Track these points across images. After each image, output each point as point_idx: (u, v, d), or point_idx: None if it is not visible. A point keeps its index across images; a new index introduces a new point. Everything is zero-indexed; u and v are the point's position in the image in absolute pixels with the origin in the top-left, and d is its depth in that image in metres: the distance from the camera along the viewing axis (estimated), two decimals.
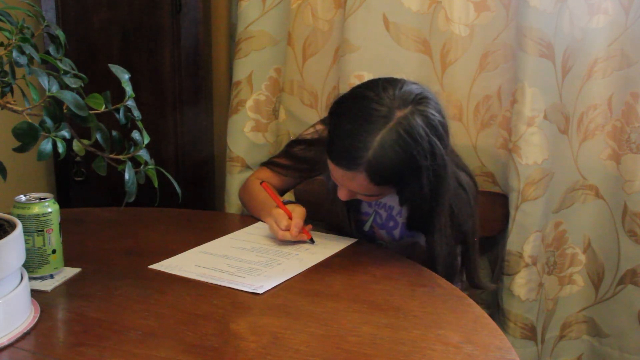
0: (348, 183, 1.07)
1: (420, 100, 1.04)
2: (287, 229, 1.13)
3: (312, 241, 1.15)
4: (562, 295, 1.46)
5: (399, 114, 1.01)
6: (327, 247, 1.14)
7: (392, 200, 1.21)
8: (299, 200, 1.31)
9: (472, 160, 1.42)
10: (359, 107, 1.05)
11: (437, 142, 1.02)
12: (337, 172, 1.08)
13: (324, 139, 1.15)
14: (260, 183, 1.25)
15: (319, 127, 1.27)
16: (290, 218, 1.14)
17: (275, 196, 1.22)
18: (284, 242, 1.14)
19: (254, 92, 1.56)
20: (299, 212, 1.16)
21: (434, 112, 1.04)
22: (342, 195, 1.12)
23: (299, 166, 1.29)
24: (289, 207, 1.17)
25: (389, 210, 1.24)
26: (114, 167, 0.80)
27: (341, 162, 1.05)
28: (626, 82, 1.31)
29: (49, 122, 0.71)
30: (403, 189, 1.08)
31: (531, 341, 1.42)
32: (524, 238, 1.34)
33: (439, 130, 1.04)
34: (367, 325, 0.86)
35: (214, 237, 1.18)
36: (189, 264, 1.04)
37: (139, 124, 0.82)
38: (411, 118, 1.01)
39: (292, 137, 1.60)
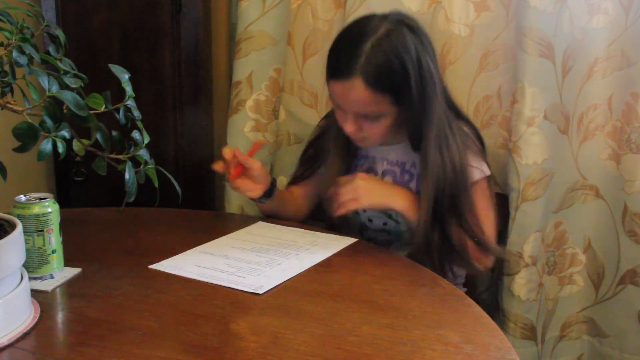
0: (348, 98, 1.13)
1: (405, 18, 1.16)
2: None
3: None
4: (562, 295, 1.46)
5: (388, 25, 1.13)
6: (327, 247, 1.14)
7: (403, 156, 1.26)
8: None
9: None
10: (350, 28, 1.19)
11: (425, 56, 1.13)
12: (337, 89, 1.15)
13: (325, 127, 1.32)
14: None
15: (321, 122, 1.36)
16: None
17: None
18: (285, 243, 1.15)
19: (254, 92, 1.56)
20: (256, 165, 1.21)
21: (419, 28, 1.15)
22: (348, 126, 1.17)
23: (313, 164, 1.36)
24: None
25: (402, 166, 1.27)
26: (114, 167, 0.80)
27: (338, 72, 1.13)
28: (626, 82, 1.31)
29: (49, 122, 0.71)
30: (397, 98, 1.13)
31: (531, 341, 1.41)
32: (524, 238, 1.34)
33: (427, 48, 1.14)
34: (367, 325, 0.86)
35: (214, 237, 1.18)
36: (189, 263, 1.04)
37: (139, 124, 0.82)
38: (399, 29, 1.13)
39: (292, 137, 1.60)
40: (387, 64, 1.10)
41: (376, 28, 1.12)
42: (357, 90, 1.11)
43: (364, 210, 1.29)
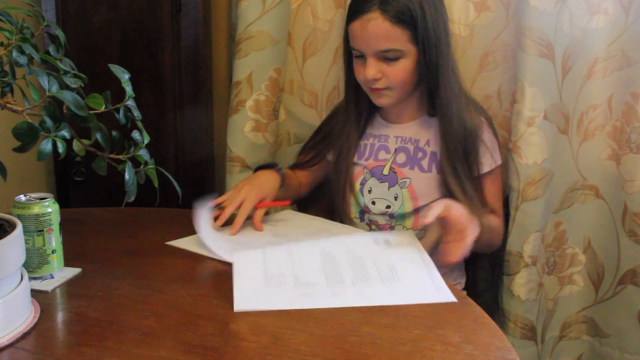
0: (367, 35, 1.16)
1: None
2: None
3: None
4: (562, 295, 1.46)
5: None
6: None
7: (417, 133, 1.29)
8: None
9: None
10: None
11: (439, 5, 1.19)
12: (356, 28, 1.19)
13: (333, 112, 1.40)
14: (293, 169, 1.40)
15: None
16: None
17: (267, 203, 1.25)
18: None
19: (254, 92, 1.56)
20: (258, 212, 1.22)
21: None
22: (370, 69, 1.19)
23: (321, 149, 1.40)
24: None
25: (415, 143, 1.29)
26: (114, 167, 0.80)
27: (358, 9, 1.18)
28: (626, 82, 1.31)
29: (49, 122, 0.71)
30: (415, 35, 1.16)
31: (531, 341, 1.41)
32: (524, 238, 1.34)
33: (443, 6, 1.21)
34: (367, 325, 0.86)
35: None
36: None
37: (139, 124, 0.82)
38: None
39: (292, 137, 1.60)
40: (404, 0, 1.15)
41: None
42: (375, 22, 1.15)
43: (369, 191, 1.30)
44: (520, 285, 1.36)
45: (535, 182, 1.32)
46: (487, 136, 1.25)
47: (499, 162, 1.28)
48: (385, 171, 1.29)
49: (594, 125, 1.36)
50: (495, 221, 1.27)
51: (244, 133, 1.57)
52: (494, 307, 1.45)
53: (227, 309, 0.90)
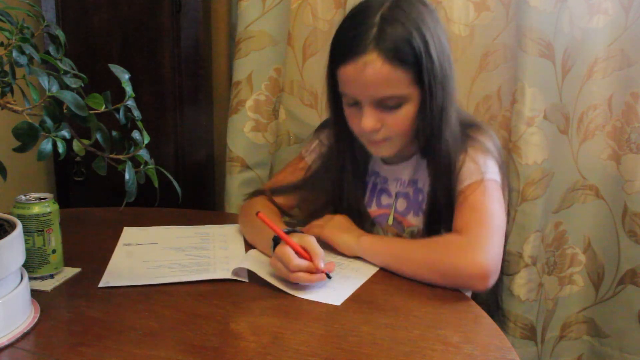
0: (363, 80, 0.99)
1: None
2: (299, 270, 0.95)
3: (329, 277, 0.97)
4: (562, 295, 1.46)
5: None
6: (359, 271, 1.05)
7: (415, 173, 1.16)
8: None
9: None
10: (352, 10, 1.06)
11: (440, 29, 1.02)
12: (349, 73, 1.00)
13: (326, 152, 1.18)
14: (256, 214, 1.03)
15: (322, 137, 1.24)
16: (300, 253, 0.96)
17: (277, 227, 1.01)
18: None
19: (254, 92, 1.56)
20: (311, 241, 0.97)
21: (431, 5, 1.05)
22: (367, 120, 1.02)
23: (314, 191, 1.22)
24: (295, 238, 0.99)
25: (414, 185, 1.16)
26: (114, 167, 0.80)
27: (349, 53, 0.99)
28: (626, 82, 1.31)
29: (49, 122, 0.71)
30: (420, 76, 0.99)
31: (531, 341, 1.41)
32: (524, 238, 1.34)
33: (437, 17, 1.04)
34: (367, 325, 0.86)
35: None
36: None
37: (139, 124, 0.82)
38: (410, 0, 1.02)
39: (292, 137, 1.60)
40: (404, 33, 0.98)
41: (382, 1, 1.01)
42: (373, 66, 0.98)
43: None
44: (520, 285, 1.36)
45: (535, 182, 1.32)
46: (471, 151, 1.09)
47: (490, 176, 1.07)
48: (390, 221, 1.18)
49: (594, 125, 1.36)
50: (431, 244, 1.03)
51: (244, 133, 1.57)
52: (494, 307, 1.45)
53: (227, 309, 0.91)
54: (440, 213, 1.09)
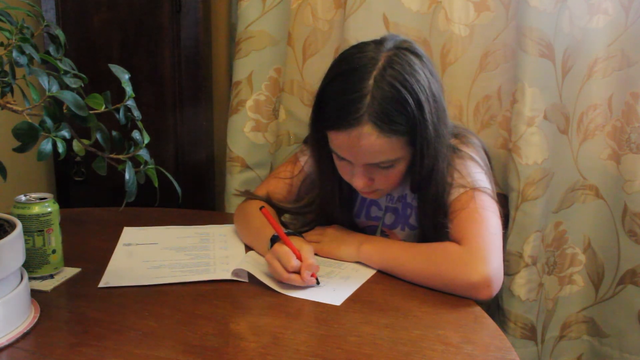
0: (357, 148, 0.97)
1: (403, 41, 1.02)
2: (294, 271, 0.96)
3: (317, 283, 0.98)
4: (562, 295, 1.46)
5: (386, 54, 0.98)
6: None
7: (404, 189, 1.15)
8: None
9: None
10: (341, 65, 1.01)
11: (434, 82, 0.99)
12: (341, 141, 0.98)
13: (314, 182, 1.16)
14: (260, 208, 1.06)
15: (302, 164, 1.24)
16: (297, 257, 0.97)
17: (278, 226, 1.03)
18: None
19: (254, 92, 1.56)
20: (308, 250, 0.99)
21: (420, 51, 1.02)
22: (358, 181, 1.02)
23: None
24: (294, 241, 1.01)
25: (403, 200, 1.15)
26: (114, 167, 0.80)
27: (342, 121, 0.96)
28: (626, 82, 1.31)
29: (49, 122, 0.71)
30: (414, 137, 0.98)
31: (531, 341, 1.41)
32: (524, 238, 1.34)
33: (429, 66, 1.01)
34: (367, 325, 0.86)
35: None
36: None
37: (139, 124, 0.82)
38: (400, 54, 0.98)
39: (292, 137, 1.60)
40: (399, 101, 0.95)
41: (374, 59, 0.97)
42: (368, 139, 0.95)
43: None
44: (520, 285, 1.36)
45: (535, 182, 1.32)
46: (457, 162, 1.08)
47: (479, 184, 1.06)
48: (377, 233, 1.19)
49: (594, 125, 1.36)
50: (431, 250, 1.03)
51: (244, 133, 1.57)
52: (494, 307, 1.45)
53: (227, 309, 0.91)
54: (428, 235, 1.09)
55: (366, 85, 0.95)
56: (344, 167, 1.04)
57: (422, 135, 0.98)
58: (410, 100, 0.95)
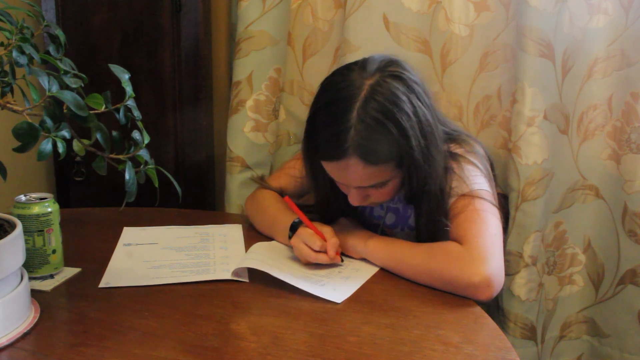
0: (346, 176, 1.02)
1: (387, 64, 1.02)
2: (321, 250, 1.04)
3: (342, 260, 1.07)
4: (562, 295, 1.46)
5: (369, 82, 0.98)
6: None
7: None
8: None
9: None
10: (327, 95, 1.03)
11: (420, 105, 0.99)
12: (331, 169, 1.04)
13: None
14: (283, 197, 1.13)
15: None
16: (321, 238, 1.06)
17: (302, 213, 1.09)
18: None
19: (254, 92, 1.56)
20: (329, 231, 1.08)
21: (404, 71, 1.02)
22: (354, 199, 1.06)
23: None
24: (315, 225, 1.08)
25: (403, 200, 1.17)
26: (114, 167, 0.80)
27: (329, 153, 1.00)
28: (626, 82, 1.31)
29: (49, 122, 0.71)
30: (401, 162, 1.00)
31: (531, 341, 1.41)
32: (524, 238, 1.34)
33: (416, 88, 1.01)
34: (367, 325, 0.86)
35: None
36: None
37: (139, 124, 0.82)
38: (383, 82, 0.98)
39: (292, 137, 1.60)
40: (382, 131, 0.96)
41: (358, 88, 0.98)
42: (355, 169, 0.99)
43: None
44: (520, 285, 1.36)
45: (535, 182, 1.32)
46: (454, 166, 1.10)
47: (477, 187, 1.08)
48: (379, 232, 1.20)
49: (594, 125, 1.36)
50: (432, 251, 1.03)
51: (244, 133, 1.57)
52: (494, 307, 1.45)
53: (227, 309, 0.91)
54: (425, 239, 1.10)
55: (350, 118, 0.97)
56: (340, 185, 1.09)
57: (409, 161, 1.00)
58: (394, 131, 0.97)
